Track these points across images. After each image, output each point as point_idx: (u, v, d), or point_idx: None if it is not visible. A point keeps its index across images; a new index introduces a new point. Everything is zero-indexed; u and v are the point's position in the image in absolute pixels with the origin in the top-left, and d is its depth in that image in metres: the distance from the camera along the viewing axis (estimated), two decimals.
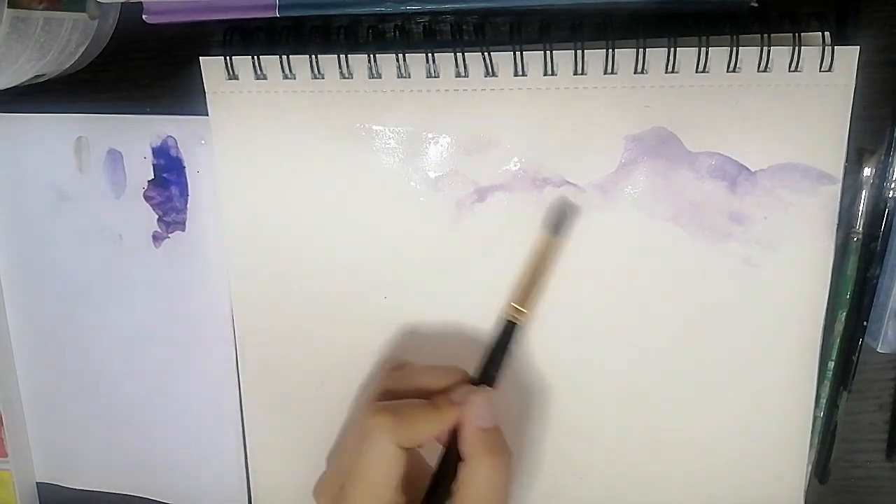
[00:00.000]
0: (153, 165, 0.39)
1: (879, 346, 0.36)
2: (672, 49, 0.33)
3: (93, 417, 0.44)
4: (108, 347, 0.42)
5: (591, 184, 0.35)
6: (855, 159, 0.35)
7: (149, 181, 0.40)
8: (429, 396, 0.32)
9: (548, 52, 0.33)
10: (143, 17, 0.35)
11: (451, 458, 0.31)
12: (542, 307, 0.36)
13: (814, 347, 0.36)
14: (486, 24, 0.35)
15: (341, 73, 0.35)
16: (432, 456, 0.33)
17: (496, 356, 0.34)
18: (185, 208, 0.40)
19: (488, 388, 0.33)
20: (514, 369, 0.37)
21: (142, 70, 0.39)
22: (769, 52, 0.32)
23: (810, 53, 0.32)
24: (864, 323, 0.36)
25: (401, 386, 0.33)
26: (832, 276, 0.35)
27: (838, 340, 0.37)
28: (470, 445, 0.31)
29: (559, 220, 0.35)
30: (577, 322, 0.37)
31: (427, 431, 0.31)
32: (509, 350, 0.34)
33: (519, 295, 0.35)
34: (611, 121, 0.34)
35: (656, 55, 0.33)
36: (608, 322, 0.37)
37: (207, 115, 0.37)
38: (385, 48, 0.34)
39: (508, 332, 0.34)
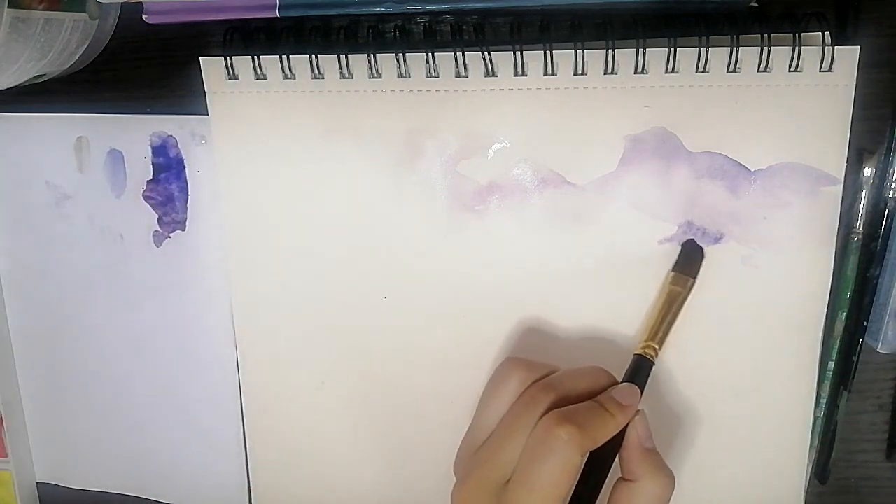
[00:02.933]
0: (153, 165, 0.39)
1: (879, 346, 0.36)
2: (672, 49, 0.33)
3: (93, 417, 0.44)
4: (108, 347, 0.42)
5: (590, 184, 0.35)
6: (855, 159, 0.35)
7: (149, 181, 0.40)
8: (580, 401, 0.31)
9: (548, 52, 0.33)
10: (143, 17, 0.35)
11: (596, 473, 0.31)
12: (535, 301, 0.36)
13: (814, 347, 0.36)
14: (486, 24, 0.35)
15: (341, 73, 0.35)
16: None
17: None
18: (185, 208, 0.40)
19: (639, 390, 0.33)
20: None
21: (142, 70, 0.39)
22: (769, 52, 0.32)
23: (810, 53, 0.32)
24: (864, 323, 0.36)
25: (562, 395, 0.32)
26: (832, 276, 0.35)
27: (838, 340, 0.37)
28: (639, 466, 0.31)
29: (696, 261, 0.35)
30: (575, 317, 0.37)
31: (604, 437, 0.30)
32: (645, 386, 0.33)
33: (655, 334, 0.34)
34: (611, 121, 0.34)
35: (656, 55, 0.33)
36: (606, 321, 0.37)
37: (207, 115, 0.37)
38: (385, 48, 0.34)
39: (646, 367, 0.34)
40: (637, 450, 0.31)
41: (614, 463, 0.31)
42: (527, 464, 0.29)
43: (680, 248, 0.35)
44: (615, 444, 0.31)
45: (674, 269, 0.35)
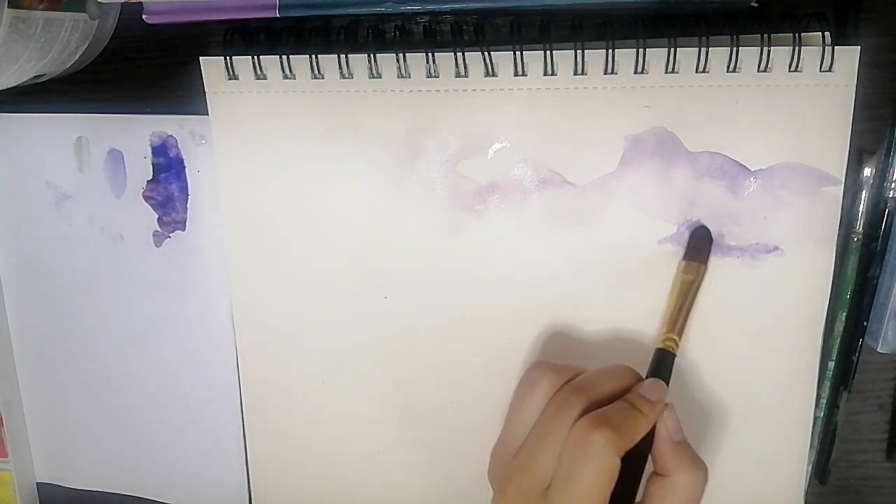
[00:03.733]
0: (153, 165, 0.39)
1: (879, 346, 0.36)
2: (672, 49, 0.33)
3: (93, 417, 0.44)
4: (108, 347, 0.42)
5: (590, 184, 0.35)
6: (855, 159, 0.35)
7: (149, 181, 0.40)
8: (610, 401, 0.31)
9: (548, 52, 0.33)
10: (143, 17, 0.35)
11: (632, 472, 0.31)
12: (532, 300, 0.36)
13: (814, 347, 0.36)
14: (486, 24, 0.35)
15: (341, 73, 0.35)
16: None
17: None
18: (185, 208, 0.40)
19: (665, 384, 0.32)
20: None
21: (142, 70, 0.39)
22: (769, 52, 0.32)
23: (810, 53, 0.32)
24: (864, 323, 0.36)
25: (592, 397, 0.31)
26: (832, 276, 0.35)
27: (838, 340, 0.37)
28: (672, 460, 0.31)
29: (706, 247, 0.35)
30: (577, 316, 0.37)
31: (638, 436, 0.30)
32: (670, 378, 0.33)
33: (674, 325, 0.34)
34: (611, 121, 0.34)
35: (656, 55, 0.33)
36: (605, 319, 0.37)
37: (207, 115, 0.37)
38: (385, 48, 0.34)
39: (668, 360, 0.34)
40: (668, 444, 0.31)
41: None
42: (567, 470, 0.29)
43: (689, 235, 0.35)
44: (648, 441, 0.31)
45: (685, 258, 0.35)
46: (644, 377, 0.33)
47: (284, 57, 0.35)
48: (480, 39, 0.34)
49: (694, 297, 0.35)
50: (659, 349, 0.34)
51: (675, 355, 0.34)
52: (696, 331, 0.36)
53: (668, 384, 0.33)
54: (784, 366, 0.36)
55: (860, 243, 0.36)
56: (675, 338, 0.34)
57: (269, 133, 0.36)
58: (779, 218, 0.34)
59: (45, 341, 0.44)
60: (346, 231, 0.37)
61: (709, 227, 0.35)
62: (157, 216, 0.40)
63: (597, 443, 0.29)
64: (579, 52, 0.33)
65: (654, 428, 0.31)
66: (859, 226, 0.36)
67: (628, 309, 0.36)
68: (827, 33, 0.32)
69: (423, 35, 0.36)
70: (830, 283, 0.35)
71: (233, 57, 0.35)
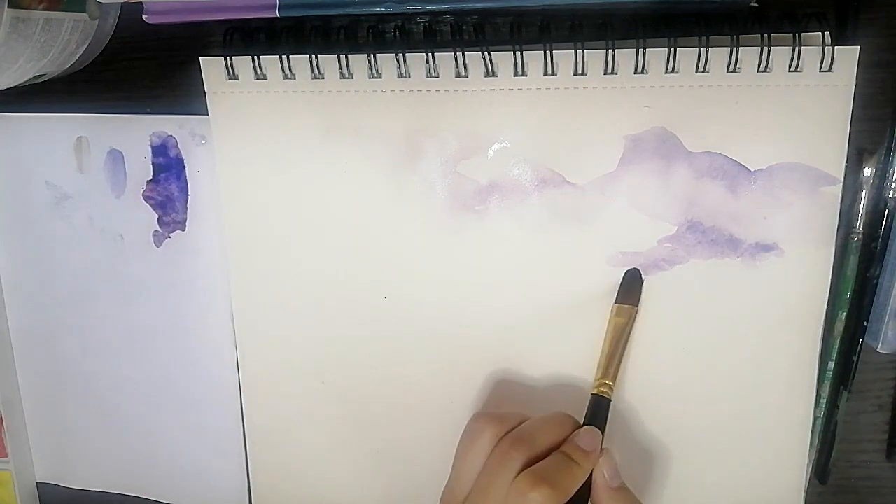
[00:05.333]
0: (153, 165, 0.39)
1: (879, 346, 0.36)
2: (672, 49, 0.33)
3: (93, 417, 0.44)
4: (108, 347, 0.42)
5: (590, 184, 0.35)
6: (855, 159, 0.35)
7: (149, 181, 0.40)
8: (549, 452, 0.32)
9: (548, 52, 0.33)
10: (143, 17, 0.35)
11: None
12: (532, 300, 0.36)
13: (814, 347, 0.36)
14: (486, 24, 0.35)
15: (341, 73, 0.35)
16: None
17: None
18: (185, 208, 0.40)
19: (600, 432, 0.33)
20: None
21: (142, 70, 0.39)
22: (769, 52, 0.32)
23: (810, 53, 0.32)
24: (864, 323, 0.36)
25: (532, 448, 0.32)
26: (832, 276, 0.35)
27: (838, 340, 0.37)
28: None
29: (637, 289, 0.35)
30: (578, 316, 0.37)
31: (574, 487, 0.31)
32: (606, 424, 0.34)
33: (608, 370, 0.35)
34: (611, 121, 0.34)
35: (656, 55, 0.33)
36: (601, 317, 0.37)
37: (207, 115, 0.37)
38: (385, 48, 0.34)
39: (603, 406, 0.34)
40: (606, 490, 0.32)
41: None
42: None
43: (621, 279, 0.36)
44: (586, 487, 0.32)
45: (616, 301, 0.36)
46: (581, 423, 0.34)
47: (284, 57, 0.35)
48: (480, 39, 0.34)
49: (627, 340, 0.35)
50: (594, 395, 0.34)
51: (610, 401, 0.34)
52: (697, 331, 0.36)
53: (604, 429, 0.33)
54: (784, 366, 0.36)
55: (860, 243, 0.36)
56: (610, 383, 0.35)
57: (269, 133, 0.36)
58: (779, 218, 0.34)
59: (45, 341, 0.44)
60: (346, 231, 0.37)
61: (639, 270, 0.36)
62: (157, 216, 0.40)
63: (535, 501, 0.29)
64: (579, 52, 0.33)
65: (592, 475, 0.32)
66: (859, 226, 0.36)
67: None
68: (827, 33, 0.32)
69: (423, 35, 0.36)
70: (830, 282, 0.35)
71: (233, 57, 0.35)
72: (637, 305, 0.36)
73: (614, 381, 0.35)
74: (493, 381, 0.38)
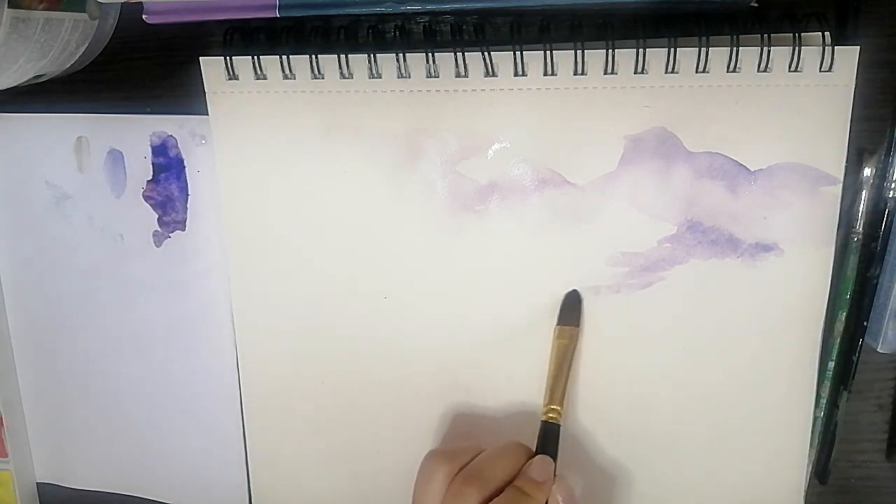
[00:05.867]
0: (153, 165, 0.39)
1: (879, 346, 0.36)
2: (672, 49, 0.33)
3: (93, 417, 0.44)
4: (108, 347, 0.42)
5: (590, 184, 0.35)
6: (855, 159, 0.35)
7: (149, 181, 0.40)
8: (504, 485, 0.32)
9: (548, 52, 0.33)
10: (143, 17, 0.35)
11: None
12: (532, 300, 0.36)
13: (814, 347, 0.36)
14: (486, 24, 0.35)
15: (341, 73, 0.35)
16: None
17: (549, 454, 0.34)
18: (185, 208, 0.40)
19: (552, 460, 0.33)
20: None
21: (142, 70, 0.39)
22: (769, 52, 0.32)
23: (810, 53, 0.32)
24: (864, 323, 0.36)
25: (485, 485, 0.32)
26: (832, 276, 0.35)
27: (838, 340, 0.37)
28: None
29: (577, 310, 0.36)
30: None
31: None
32: (557, 450, 0.34)
33: (553, 395, 0.35)
34: (611, 121, 0.34)
35: (656, 55, 0.33)
36: (603, 318, 0.37)
37: (207, 115, 0.37)
38: (385, 48, 0.34)
39: (553, 433, 0.34)
40: None
41: None
42: None
43: (562, 301, 0.36)
44: None
45: (558, 323, 0.36)
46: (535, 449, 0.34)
47: (284, 57, 0.35)
48: (480, 39, 0.34)
49: (570, 361, 0.35)
50: (543, 422, 0.34)
51: (559, 426, 0.34)
52: (697, 331, 0.36)
53: (556, 456, 0.33)
54: (784, 366, 0.36)
55: (860, 243, 0.36)
56: (558, 408, 0.35)
57: (269, 133, 0.36)
58: (779, 218, 0.34)
59: (45, 341, 0.44)
60: (346, 231, 0.37)
61: (579, 291, 0.36)
62: (157, 216, 0.40)
63: None
64: (579, 52, 0.33)
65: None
66: (859, 226, 0.36)
67: (625, 306, 0.36)
68: (827, 33, 0.32)
69: (423, 35, 0.36)
70: (830, 282, 0.35)
71: (233, 57, 0.35)
72: (579, 326, 0.36)
73: (562, 405, 0.35)
74: (493, 381, 0.38)
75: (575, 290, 0.36)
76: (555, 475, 0.33)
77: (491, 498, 0.31)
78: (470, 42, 0.34)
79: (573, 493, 0.33)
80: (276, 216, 0.38)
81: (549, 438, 0.34)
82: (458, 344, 0.38)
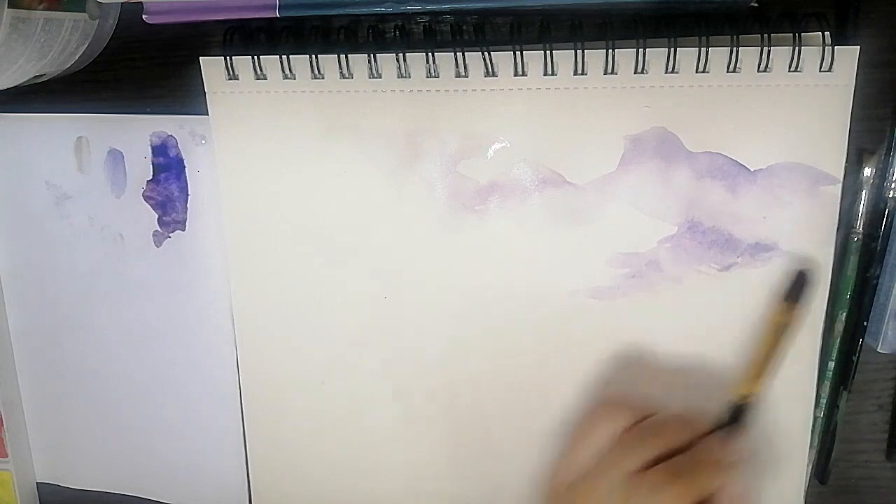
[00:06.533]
0: (153, 165, 0.39)
1: (879, 346, 0.36)
2: (672, 49, 0.33)
3: (93, 417, 0.44)
4: (108, 347, 0.42)
5: (590, 184, 0.35)
6: (855, 159, 0.35)
7: (149, 181, 0.40)
8: (675, 452, 0.31)
9: (548, 52, 0.33)
10: (143, 17, 0.35)
11: None
12: (531, 301, 0.36)
13: (814, 347, 0.36)
14: (486, 24, 0.35)
15: (341, 73, 0.35)
16: None
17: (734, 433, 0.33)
18: (185, 208, 0.40)
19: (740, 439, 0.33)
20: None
21: (142, 70, 0.39)
22: (769, 52, 0.32)
23: (810, 53, 0.32)
24: (864, 323, 0.36)
25: (660, 446, 0.31)
26: (832, 276, 0.35)
27: (838, 340, 0.37)
28: None
29: (802, 288, 0.34)
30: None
31: (707, 494, 0.30)
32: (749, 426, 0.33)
33: (758, 370, 0.34)
34: (611, 121, 0.34)
35: (656, 55, 0.33)
36: (602, 318, 0.37)
37: (207, 115, 0.37)
38: (385, 48, 0.34)
39: (746, 413, 0.34)
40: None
41: None
42: None
43: (793, 275, 0.34)
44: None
45: (785, 299, 0.34)
46: (718, 426, 0.33)
47: (284, 57, 0.35)
48: (480, 39, 0.34)
49: (786, 342, 0.34)
50: (738, 403, 0.33)
51: (752, 405, 0.33)
52: (697, 331, 0.36)
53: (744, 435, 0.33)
54: (784, 366, 0.36)
55: (860, 243, 0.36)
56: (761, 385, 0.33)
57: (269, 133, 0.36)
58: (779, 218, 0.34)
59: (45, 341, 0.44)
60: (346, 231, 0.37)
61: (810, 272, 0.34)
62: (157, 216, 0.40)
63: (668, 494, 0.29)
64: (579, 52, 0.33)
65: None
66: (859, 226, 0.36)
67: (625, 306, 0.36)
68: (827, 33, 0.32)
69: (423, 35, 0.36)
70: (830, 282, 0.35)
71: (233, 57, 0.35)
72: (798, 303, 0.34)
73: (760, 385, 0.34)
74: (493, 381, 0.38)
75: (804, 271, 0.34)
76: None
77: (661, 458, 0.30)
78: (470, 42, 0.34)
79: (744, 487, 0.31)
80: (276, 216, 0.38)
81: (741, 417, 0.33)
82: (457, 344, 0.38)
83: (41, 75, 0.37)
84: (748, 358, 0.35)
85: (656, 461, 0.30)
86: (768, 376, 0.34)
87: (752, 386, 0.34)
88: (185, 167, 0.39)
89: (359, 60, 0.34)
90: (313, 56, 0.35)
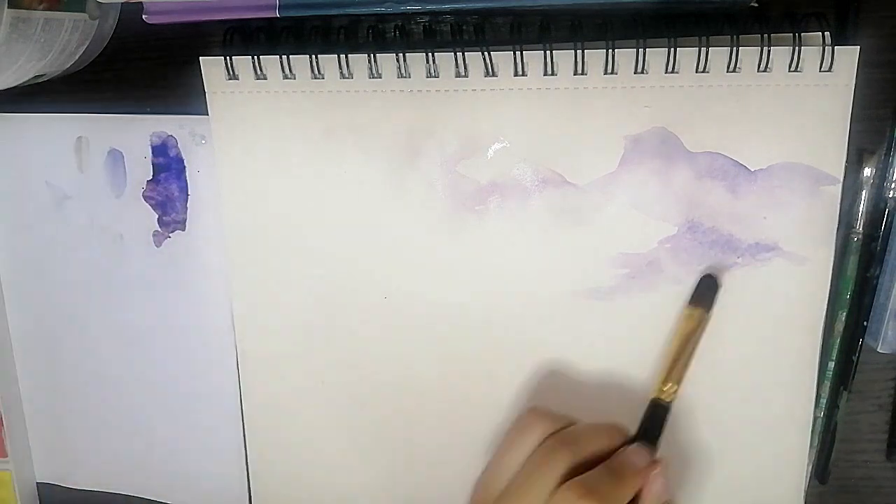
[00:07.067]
0: (153, 165, 0.39)
1: (879, 346, 0.36)
2: (672, 49, 0.33)
3: (93, 417, 0.44)
4: (108, 347, 0.42)
5: (590, 184, 0.35)
6: (855, 159, 0.35)
7: (149, 181, 0.40)
8: (598, 461, 0.32)
9: (548, 52, 0.33)
10: (143, 17, 0.35)
11: None
12: (531, 301, 0.36)
13: (814, 347, 0.36)
14: (486, 24, 0.35)
15: (341, 73, 0.35)
16: None
17: (651, 436, 0.33)
18: (185, 208, 0.40)
19: (654, 450, 0.33)
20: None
21: (142, 70, 0.39)
22: (769, 52, 0.32)
23: (810, 53, 0.32)
24: (864, 323, 0.36)
25: (579, 453, 0.32)
26: (832, 276, 0.35)
27: (838, 340, 0.37)
28: None
29: (710, 294, 0.35)
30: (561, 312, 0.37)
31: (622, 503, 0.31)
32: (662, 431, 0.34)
33: (671, 374, 0.34)
34: (611, 121, 0.34)
35: (656, 55, 0.33)
36: (601, 318, 0.37)
37: (207, 115, 0.37)
38: (385, 48, 0.34)
39: (661, 412, 0.34)
40: None
41: None
42: None
43: (697, 280, 0.35)
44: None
45: (690, 303, 0.35)
46: (636, 430, 0.33)
47: (284, 57, 0.35)
48: (480, 39, 0.34)
49: (695, 344, 0.35)
50: (654, 400, 0.34)
51: (670, 405, 0.34)
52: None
53: (659, 437, 0.33)
54: (784, 366, 0.36)
55: (860, 243, 0.36)
56: (675, 387, 0.34)
57: (269, 133, 0.36)
58: (779, 218, 0.34)
59: (45, 341, 0.44)
60: (346, 231, 0.37)
61: (716, 276, 0.35)
62: (157, 216, 0.40)
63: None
64: (579, 52, 0.33)
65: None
66: (859, 226, 0.36)
67: (625, 306, 0.36)
68: (827, 33, 0.32)
69: (423, 35, 0.36)
70: (830, 282, 0.35)
71: (233, 57, 0.35)
72: (709, 311, 0.35)
73: (678, 385, 0.34)
74: (493, 382, 0.38)
75: (713, 275, 0.35)
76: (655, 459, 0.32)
77: (579, 467, 0.31)
78: (470, 42, 0.34)
79: (666, 484, 0.32)
80: (276, 216, 0.38)
81: (656, 418, 0.34)
82: (457, 344, 0.38)
83: (41, 75, 0.37)
84: (664, 359, 0.35)
85: (581, 469, 0.31)
86: (676, 382, 0.34)
87: (659, 391, 0.34)
88: (185, 167, 0.39)
89: (359, 60, 0.34)
90: (313, 56, 0.35)
